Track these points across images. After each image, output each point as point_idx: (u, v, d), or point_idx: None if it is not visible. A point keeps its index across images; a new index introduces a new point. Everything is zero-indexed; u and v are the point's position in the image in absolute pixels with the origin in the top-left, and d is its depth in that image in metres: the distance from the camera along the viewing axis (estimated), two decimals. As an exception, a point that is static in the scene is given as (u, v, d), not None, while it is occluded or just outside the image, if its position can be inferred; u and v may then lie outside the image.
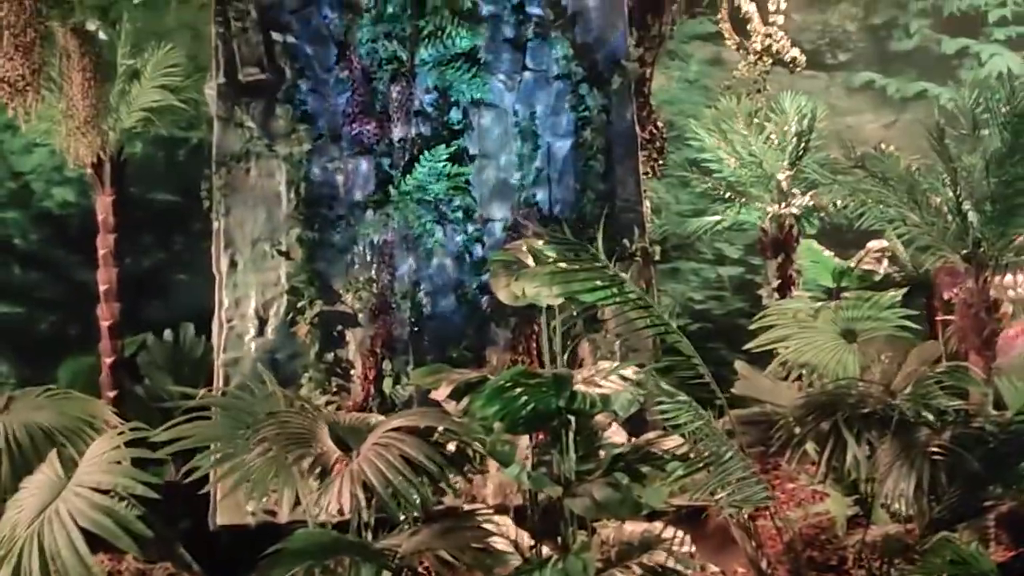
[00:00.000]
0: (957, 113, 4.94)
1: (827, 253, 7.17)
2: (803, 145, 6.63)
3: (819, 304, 4.64)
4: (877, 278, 6.95)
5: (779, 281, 6.73)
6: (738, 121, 6.79)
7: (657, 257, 6.37)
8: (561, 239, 3.32)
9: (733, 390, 4.73)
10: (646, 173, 7.24)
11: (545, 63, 6.22)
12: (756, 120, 6.99)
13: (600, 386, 3.29)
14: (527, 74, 6.18)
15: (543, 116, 6.16)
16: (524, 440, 3.83)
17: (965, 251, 4.57)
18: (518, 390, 3.17)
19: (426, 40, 5.92)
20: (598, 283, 3.09)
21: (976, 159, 4.57)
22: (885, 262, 7.03)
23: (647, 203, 6.98)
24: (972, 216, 4.51)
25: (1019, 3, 9.64)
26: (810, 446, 3.70)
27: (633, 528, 3.48)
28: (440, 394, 3.36)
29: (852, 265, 7.03)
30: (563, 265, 3.23)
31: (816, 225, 7.42)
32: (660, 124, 7.51)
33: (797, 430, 3.73)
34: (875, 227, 5.78)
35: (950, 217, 4.54)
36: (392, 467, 2.88)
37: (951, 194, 4.52)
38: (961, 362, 4.41)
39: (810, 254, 7.05)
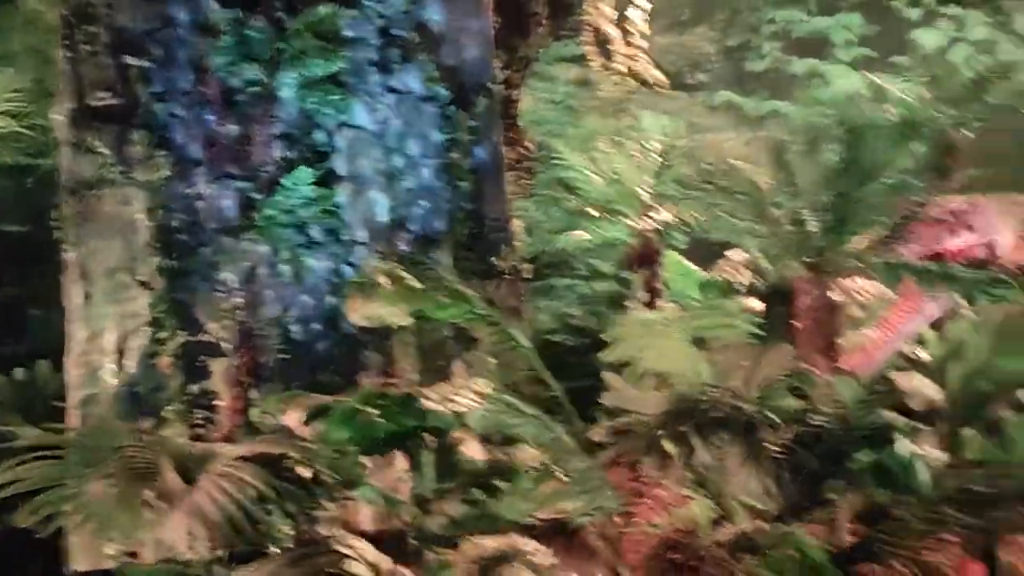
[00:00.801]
0: (805, 130, 5.25)
1: (691, 266, 7.46)
2: (663, 162, 6.90)
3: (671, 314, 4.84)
4: (741, 288, 7.26)
5: (646, 294, 6.95)
6: (601, 140, 7.01)
7: (528, 275, 6.47)
8: (410, 258, 3.35)
9: (602, 400, 4.86)
10: (516, 193, 7.38)
11: (411, 85, 6.25)
12: (619, 139, 7.23)
13: (455, 403, 3.33)
14: (393, 96, 6.19)
15: (410, 138, 6.18)
16: (401, 462, 3.83)
17: (807, 259, 4.86)
18: (370, 411, 3.18)
19: (288, 63, 5.87)
20: (446, 301, 3.14)
21: (815, 173, 4.87)
22: (748, 272, 7.35)
23: (518, 222, 7.11)
24: (813, 226, 4.80)
25: (860, 27, 10.34)
26: (676, 452, 3.83)
27: (495, 543, 3.52)
28: (290, 419, 3.32)
29: (716, 276, 7.33)
30: (411, 285, 3.26)
31: (682, 239, 7.72)
32: (529, 144, 7.67)
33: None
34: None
35: (792, 227, 4.82)
36: (230, 497, 2.83)
37: (792, 206, 4.80)
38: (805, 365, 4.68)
39: (675, 267, 7.32)
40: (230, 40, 5.77)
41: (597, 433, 5.12)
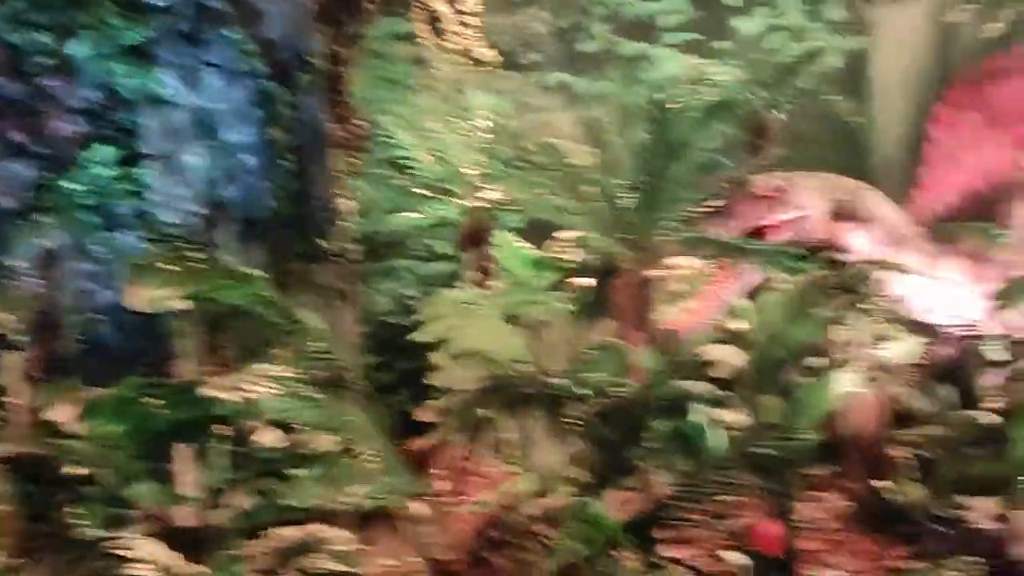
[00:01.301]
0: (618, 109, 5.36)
1: (523, 244, 7.52)
2: (492, 141, 6.90)
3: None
4: (574, 266, 7.37)
5: (477, 274, 6.96)
6: (429, 118, 6.93)
7: (358, 256, 6.34)
8: (192, 239, 3.19)
9: (428, 381, 4.82)
10: (346, 172, 7.20)
11: (226, 59, 5.96)
12: (449, 118, 7.18)
13: (245, 390, 3.20)
14: (206, 70, 5.88)
15: (226, 114, 5.90)
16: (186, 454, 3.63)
17: (621, 236, 5.00)
18: (148, 402, 3.01)
19: (86, 32, 5.46)
20: (228, 283, 3.00)
21: (627, 151, 4.99)
22: (581, 250, 7.46)
23: (351, 202, 6.94)
24: (627, 203, 4.92)
25: (685, 12, 10.67)
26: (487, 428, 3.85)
27: (294, 533, 3.44)
28: (61, 415, 3.11)
29: (547, 255, 7.42)
30: (190, 267, 3.10)
31: (519, 219, 7.76)
32: (360, 123, 7.48)
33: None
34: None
35: (607, 205, 4.94)
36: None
37: (608, 184, 4.91)
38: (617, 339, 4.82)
39: (507, 247, 7.36)
40: (17, 6, 5.31)
41: (424, 413, 5.10)
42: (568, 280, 7.44)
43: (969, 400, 5.87)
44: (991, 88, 7.13)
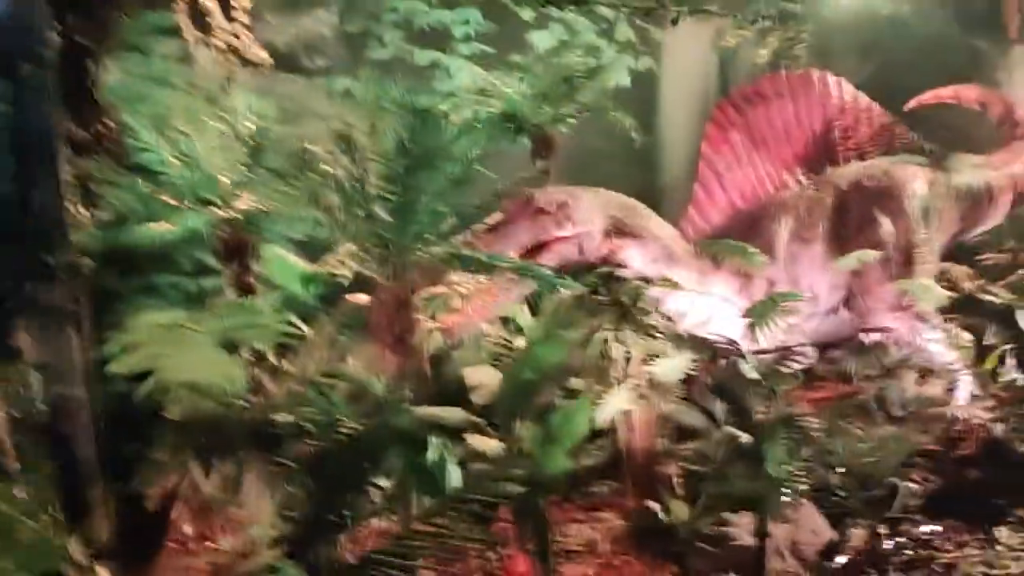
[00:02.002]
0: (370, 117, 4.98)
1: (292, 258, 7.01)
2: (253, 146, 6.34)
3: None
4: (345, 281, 6.94)
5: (237, 289, 6.38)
6: (183, 120, 6.27)
7: (88, 272, 5.58)
8: None
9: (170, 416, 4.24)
10: (88, 178, 6.42)
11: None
12: (208, 120, 6.55)
13: None
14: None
15: (-73, 107, 5.04)
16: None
17: (374, 249, 4.66)
18: None
19: None
20: None
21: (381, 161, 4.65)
22: (353, 264, 7.05)
23: (83, 211, 6.15)
24: (381, 216, 4.58)
25: (481, 23, 10.51)
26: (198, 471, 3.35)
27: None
28: None
29: (320, 270, 6.95)
30: None
31: (296, 231, 7.23)
32: (111, 123, 6.69)
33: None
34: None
35: (358, 217, 4.57)
36: None
37: (358, 195, 4.54)
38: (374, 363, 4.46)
39: (275, 260, 6.82)
40: None
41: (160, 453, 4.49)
42: (345, 297, 7.03)
43: (741, 416, 5.96)
44: (754, 110, 7.39)
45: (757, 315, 4.95)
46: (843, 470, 5.37)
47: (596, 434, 6.76)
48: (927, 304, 6.91)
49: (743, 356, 5.11)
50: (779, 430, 4.70)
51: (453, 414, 4.35)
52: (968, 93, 8.87)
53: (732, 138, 7.37)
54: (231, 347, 3.86)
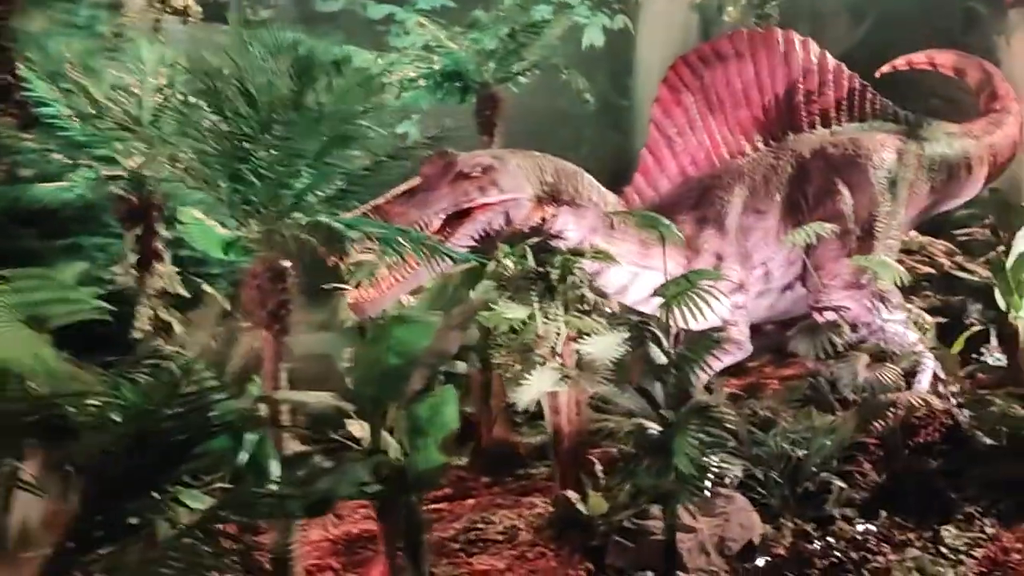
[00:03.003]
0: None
1: (212, 223, 6.56)
2: (157, 100, 5.87)
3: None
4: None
5: (139, 256, 5.97)
6: (75, 70, 5.79)
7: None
8: None
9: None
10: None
11: None
12: (115, 73, 6.09)
13: None
14: None
15: None
16: None
17: (243, 215, 4.21)
18: None
19: None
20: None
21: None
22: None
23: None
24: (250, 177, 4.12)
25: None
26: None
27: None
28: None
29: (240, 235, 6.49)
30: None
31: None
32: (5, 75, 6.25)
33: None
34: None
35: (228, 177, 4.12)
36: None
37: (232, 155, 4.07)
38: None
39: (193, 225, 6.37)
40: None
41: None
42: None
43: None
44: (711, 71, 6.86)
45: (670, 295, 4.49)
46: (772, 462, 4.94)
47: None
48: (886, 282, 6.43)
49: (655, 337, 4.63)
50: (689, 420, 4.28)
51: (318, 399, 3.94)
52: (944, 59, 8.31)
53: (685, 101, 6.84)
54: (39, 323, 3.45)
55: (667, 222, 4.95)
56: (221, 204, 4.35)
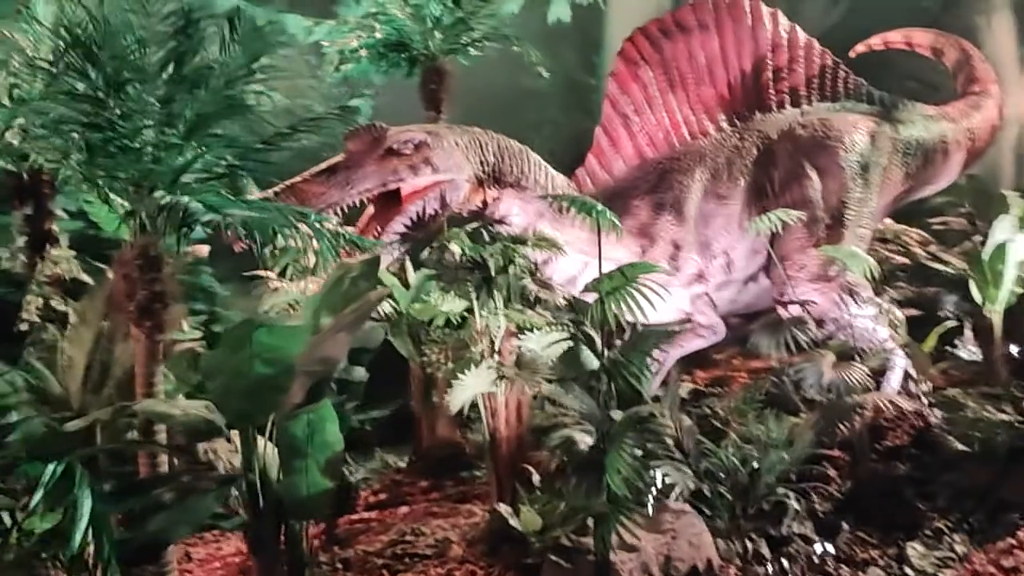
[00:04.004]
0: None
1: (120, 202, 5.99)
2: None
3: None
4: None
5: (28, 237, 5.38)
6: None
7: None
8: None
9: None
10: None
11: None
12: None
13: None
14: None
15: None
16: None
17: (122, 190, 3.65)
18: None
19: None
20: None
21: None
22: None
23: None
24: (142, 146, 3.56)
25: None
26: None
27: None
28: None
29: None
30: None
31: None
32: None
33: None
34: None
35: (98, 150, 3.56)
36: None
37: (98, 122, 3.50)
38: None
39: (94, 203, 5.78)
40: None
41: None
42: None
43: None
44: (672, 44, 6.31)
45: (604, 290, 3.96)
46: (721, 477, 4.45)
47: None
48: (856, 274, 5.94)
49: (588, 338, 4.11)
50: (624, 433, 3.77)
51: (186, 411, 3.39)
52: (921, 38, 7.81)
53: (644, 76, 6.30)
54: None
55: (602, 208, 4.42)
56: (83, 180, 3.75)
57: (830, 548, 4.53)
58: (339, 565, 5.14)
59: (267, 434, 3.57)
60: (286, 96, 10.05)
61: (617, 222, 4.54)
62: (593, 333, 3.99)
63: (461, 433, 7.06)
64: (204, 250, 5.94)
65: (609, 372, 3.80)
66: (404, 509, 6.11)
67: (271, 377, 3.43)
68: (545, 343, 5.02)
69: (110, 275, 5.84)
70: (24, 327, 5.07)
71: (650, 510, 4.34)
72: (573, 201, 4.43)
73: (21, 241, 5.41)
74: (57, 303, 5.22)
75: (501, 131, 5.79)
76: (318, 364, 3.74)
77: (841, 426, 5.42)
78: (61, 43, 3.77)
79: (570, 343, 4.87)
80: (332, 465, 3.47)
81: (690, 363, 8.98)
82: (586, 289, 4.60)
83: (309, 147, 4.87)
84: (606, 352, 3.90)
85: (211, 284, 8.50)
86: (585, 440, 3.92)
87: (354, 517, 5.99)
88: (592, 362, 3.81)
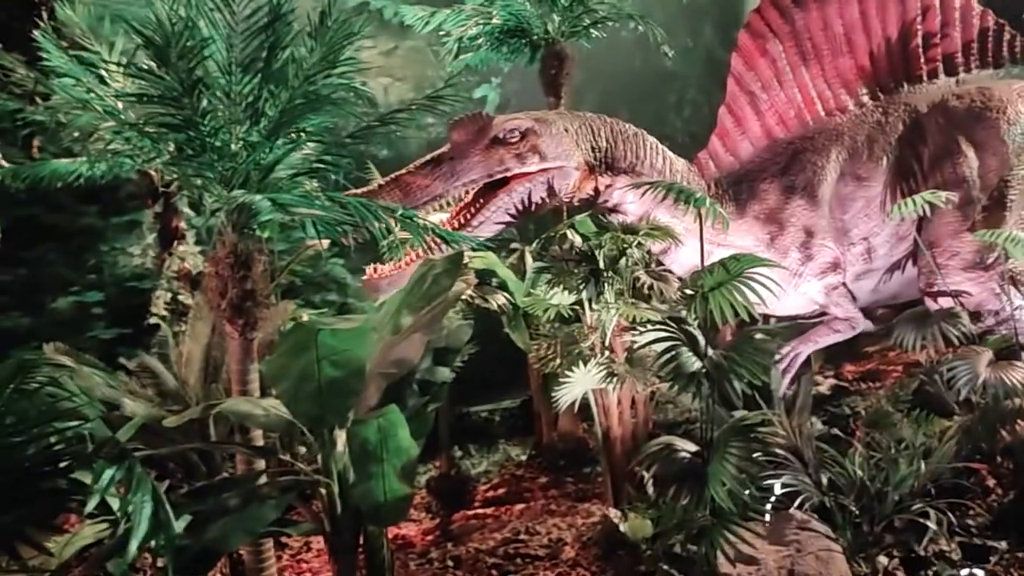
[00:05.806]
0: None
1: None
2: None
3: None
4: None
5: (157, 234, 5.61)
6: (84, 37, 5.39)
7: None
8: None
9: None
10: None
11: None
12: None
13: None
14: None
15: None
16: None
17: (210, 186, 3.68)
18: None
19: None
20: None
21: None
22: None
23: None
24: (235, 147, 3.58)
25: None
26: None
27: None
28: None
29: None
30: None
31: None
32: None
33: None
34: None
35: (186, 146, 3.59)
36: None
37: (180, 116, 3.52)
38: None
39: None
40: None
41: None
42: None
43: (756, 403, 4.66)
44: (805, 14, 5.81)
45: (707, 286, 3.61)
46: (845, 490, 4.02)
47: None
48: (1020, 261, 5.27)
49: (691, 338, 3.76)
50: (728, 443, 3.45)
51: (266, 412, 3.36)
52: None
53: (772, 50, 5.84)
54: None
55: (700, 193, 4.08)
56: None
57: (979, 573, 4.00)
58: (449, 562, 5.08)
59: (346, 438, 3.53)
60: (414, 88, 10.18)
61: (718, 208, 4.19)
62: (696, 332, 3.68)
63: (584, 427, 6.86)
64: (324, 244, 6.02)
65: (710, 375, 3.50)
66: (521, 506, 5.99)
67: (340, 380, 3.37)
68: (644, 341, 4.74)
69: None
70: (153, 321, 5.32)
71: (767, 518, 3.99)
72: (671, 188, 4.11)
73: (151, 238, 5.67)
74: (185, 297, 5.45)
75: (639, 114, 5.50)
76: (393, 366, 3.65)
77: (1003, 431, 4.84)
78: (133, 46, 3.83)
79: (675, 342, 4.56)
80: (407, 470, 3.38)
81: (840, 356, 8.38)
82: (680, 288, 4.29)
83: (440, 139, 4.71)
84: (709, 352, 3.59)
85: (344, 276, 8.70)
86: (687, 447, 3.63)
87: (470, 513, 5.93)
88: (694, 363, 3.52)
